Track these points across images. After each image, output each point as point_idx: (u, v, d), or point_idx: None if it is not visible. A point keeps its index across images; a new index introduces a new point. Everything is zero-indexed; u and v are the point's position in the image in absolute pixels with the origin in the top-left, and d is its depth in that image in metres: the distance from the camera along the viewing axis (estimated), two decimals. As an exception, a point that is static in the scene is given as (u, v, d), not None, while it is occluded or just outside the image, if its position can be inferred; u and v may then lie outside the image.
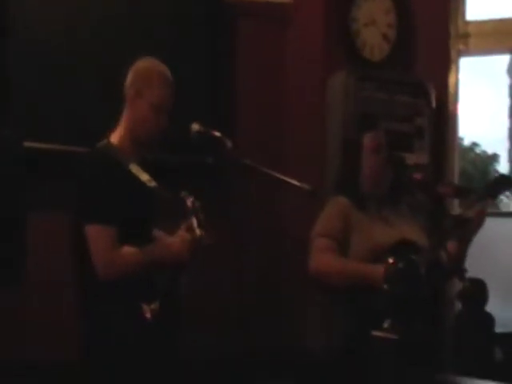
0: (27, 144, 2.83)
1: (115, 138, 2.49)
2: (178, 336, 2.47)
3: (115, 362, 2.33)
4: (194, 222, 2.43)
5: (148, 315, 2.30)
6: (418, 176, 3.07)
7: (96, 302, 2.37)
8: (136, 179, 2.42)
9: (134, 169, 2.43)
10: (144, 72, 2.49)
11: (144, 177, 2.43)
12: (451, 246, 2.82)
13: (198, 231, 2.41)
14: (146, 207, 2.46)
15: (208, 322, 3.37)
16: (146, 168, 2.48)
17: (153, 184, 2.44)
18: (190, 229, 2.43)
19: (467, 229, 2.82)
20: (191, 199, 2.46)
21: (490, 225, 2.89)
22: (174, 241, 2.45)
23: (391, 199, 2.95)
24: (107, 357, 2.34)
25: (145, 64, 2.52)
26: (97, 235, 2.32)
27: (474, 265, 2.95)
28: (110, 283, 2.31)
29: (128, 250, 2.35)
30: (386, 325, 2.58)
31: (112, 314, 2.33)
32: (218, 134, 2.52)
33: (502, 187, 2.88)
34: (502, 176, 3.00)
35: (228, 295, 2.69)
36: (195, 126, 2.53)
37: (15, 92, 3.15)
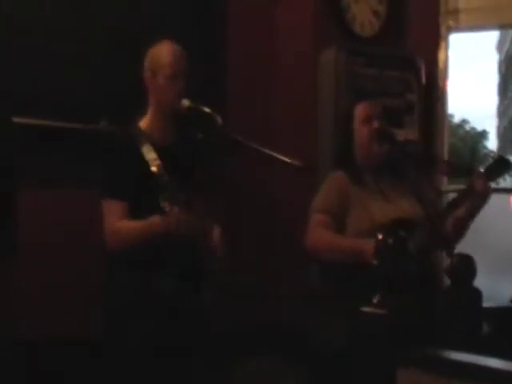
0: (16, 120, 2.81)
1: (143, 122, 2.60)
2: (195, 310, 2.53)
3: (125, 334, 2.44)
4: (183, 199, 2.44)
5: (164, 291, 2.40)
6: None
7: (111, 273, 2.51)
8: (145, 159, 2.48)
9: (146, 149, 2.49)
10: (153, 53, 2.60)
11: (151, 156, 2.47)
12: (449, 224, 2.81)
13: (184, 209, 2.43)
14: (152, 185, 2.48)
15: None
16: (163, 151, 2.50)
17: (155, 163, 2.46)
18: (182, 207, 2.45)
19: (471, 204, 2.79)
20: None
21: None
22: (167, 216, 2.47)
23: (391, 172, 2.89)
24: (117, 327, 2.47)
25: (153, 48, 2.62)
26: (107, 209, 2.48)
27: (463, 240, 2.96)
28: (123, 255, 2.44)
29: (130, 221, 2.47)
30: (375, 300, 2.60)
31: (124, 286, 2.45)
32: (208, 109, 2.52)
33: (502, 171, 2.82)
34: (502, 159, 2.86)
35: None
36: (185, 102, 2.54)
37: (1, 67, 3.11)
